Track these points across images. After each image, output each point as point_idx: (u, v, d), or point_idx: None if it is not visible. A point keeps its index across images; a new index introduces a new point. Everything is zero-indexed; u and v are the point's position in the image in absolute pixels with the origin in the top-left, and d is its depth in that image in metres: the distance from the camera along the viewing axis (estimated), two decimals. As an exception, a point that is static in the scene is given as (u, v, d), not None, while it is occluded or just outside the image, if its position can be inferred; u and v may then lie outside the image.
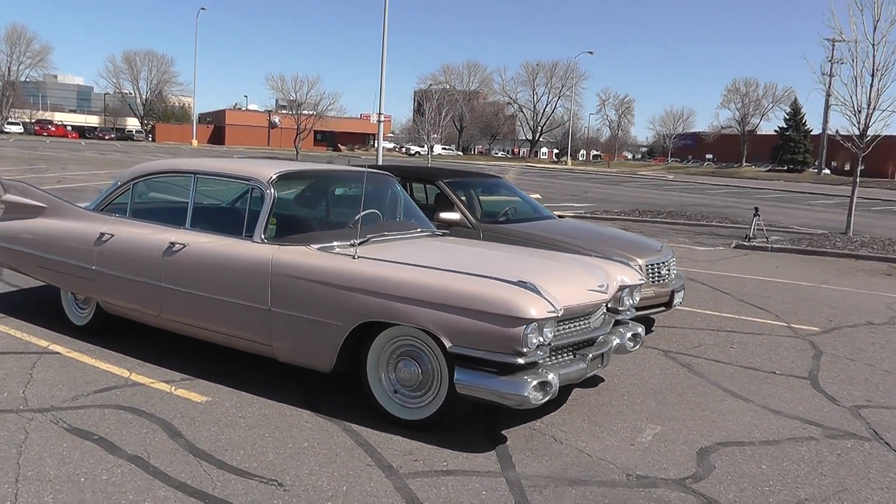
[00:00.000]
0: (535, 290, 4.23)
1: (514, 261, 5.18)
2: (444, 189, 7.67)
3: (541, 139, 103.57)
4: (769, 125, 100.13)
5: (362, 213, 4.98)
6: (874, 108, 13.96)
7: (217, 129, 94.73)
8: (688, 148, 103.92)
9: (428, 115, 34.07)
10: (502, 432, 4.62)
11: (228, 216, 5.75)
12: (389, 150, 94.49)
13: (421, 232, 5.69)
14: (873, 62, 13.86)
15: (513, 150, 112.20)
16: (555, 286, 4.44)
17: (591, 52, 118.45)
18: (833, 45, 24.11)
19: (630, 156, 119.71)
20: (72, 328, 6.22)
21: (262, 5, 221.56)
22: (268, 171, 5.27)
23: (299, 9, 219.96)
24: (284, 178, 5.26)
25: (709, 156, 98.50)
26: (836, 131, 15.67)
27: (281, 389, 5.13)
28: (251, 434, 4.37)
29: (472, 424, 4.66)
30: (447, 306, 4.21)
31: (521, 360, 4.09)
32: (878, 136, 14.46)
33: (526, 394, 4.04)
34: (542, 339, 4.17)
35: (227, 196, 6.11)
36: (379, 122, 28.05)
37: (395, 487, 3.81)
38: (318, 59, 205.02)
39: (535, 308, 4.10)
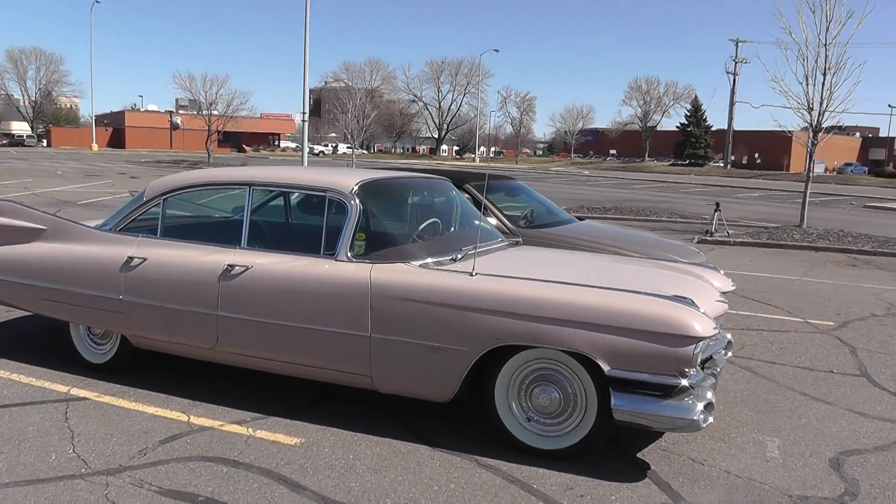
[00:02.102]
0: (694, 306, 3.90)
1: (639, 272, 4.84)
2: (473, 194, 7.21)
3: (447, 136, 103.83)
4: (670, 121, 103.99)
5: (455, 225, 4.50)
6: (826, 106, 14.38)
7: (116, 131, 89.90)
8: (590, 144, 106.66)
9: (332, 114, 33.13)
10: (638, 456, 4.28)
11: (296, 233, 5.12)
12: (293, 149, 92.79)
13: (501, 241, 5.23)
14: (825, 62, 14.30)
15: (413, 148, 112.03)
16: (698, 300, 4.11)
17: (496, 50, 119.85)
18: (737, 45, 24.92)
19: (531, 152, 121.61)
20: (87, 367, 5.42)
21: (157, 1, 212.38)
22: (348, 180, 4.69)
23: (195, 5, 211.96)
24: (366, 188, 4.68)
25: (612, 151, 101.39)
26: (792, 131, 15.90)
27: (374, 422, 4.58)
28: (383, 479, 3.83)
29: (603, 449, 4.28)
30: (606, 327, 3.83)
31: (684, 382, 3.77)
32: (834, 127, 14.94)
33: (695, 417, 3.76)
34: (702, 358, 3.85)
35: (275, 210, 5.45)
36: (304, 121, 27.08)
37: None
38: (216, 56, 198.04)
39: (701, 325, 3.80)
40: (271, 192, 5.01)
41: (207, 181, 5.20)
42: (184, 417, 4.59)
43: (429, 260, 4.46)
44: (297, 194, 4.93)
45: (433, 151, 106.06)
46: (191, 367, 5.36)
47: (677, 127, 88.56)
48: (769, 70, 15.95)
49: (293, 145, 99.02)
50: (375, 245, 4.52)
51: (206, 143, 42.89)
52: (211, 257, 4.78)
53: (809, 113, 14.65)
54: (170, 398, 4.91)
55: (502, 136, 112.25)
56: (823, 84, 14.30)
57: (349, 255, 4.45)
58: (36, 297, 5.43)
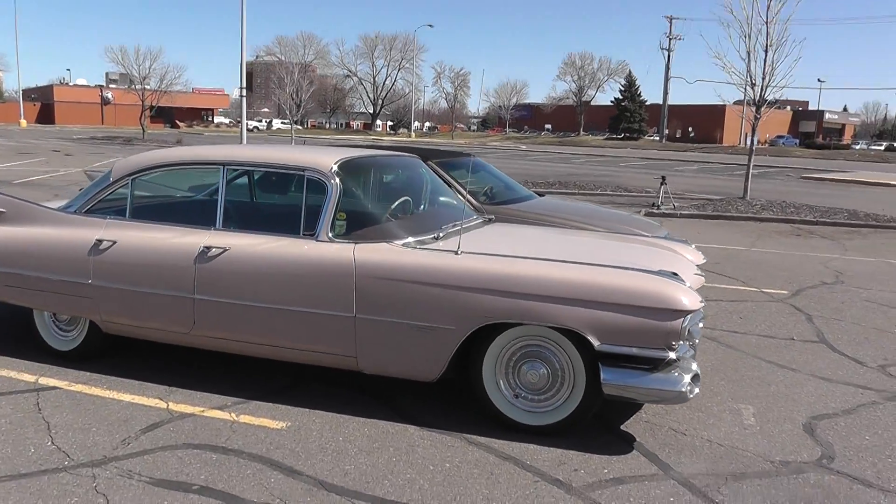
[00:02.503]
0: (680, 280, 3.98)
1: (618, 248, 4.89)
2: (437, 171, 7.15)
3: (381, 112, 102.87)
4: (605, 97, 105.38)
5: (431, 203, 4.47)
6: (769, 82, 14.74)
7: (45, 107, 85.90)
8: (524, 119, 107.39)
9: (265, 89, 32.36)
10: (622, 429, 4.36)
11: (272, 213, 5.00)
12: (227, 124, 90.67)
13: (476, 219, 5.20)
14: (766, 38, 14.63)
15: (347, 124, 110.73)
16: (681, 274, 4.20)
17: (430, 26, 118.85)
18: (671, 22, 25.31)
19: (466, 127, 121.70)
20: (53, 355, 5.21)
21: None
22: (326, 158, 4.59)
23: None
24: (345, 167, 4.58)
25: (547, 126, 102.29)
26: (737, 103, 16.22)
27: (358, 403, 4.55)
28: (377, 460, 3.81)
29: (587, 423, 4.35)
30: (596, 303, 3.87)
31: (672, 355, 3.85)
32: (776, 101, 15.32)
33: (683, 389, 3.85)
34: (689, 331, 3.92)
35: (250, 191, 5.29)
36: (242, 97, 26.39)
37: (586, 506, 3.44)
38: (145, 29, 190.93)
39: (688, 299, 3.88)
40: (247, 171, 4.85)
41: (178, 160, 5.01)
42: (162, 405, 4.46)
43: (411, 239, 4.42)
44: (273, 174, 4.79)
45: (367, 127, 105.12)
46: (163, 352, 5.23)
47: (612, 102, 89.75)
48: (711, 47, 16.18)
49: (227, 121, 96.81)
50: (356, 225, 4.45)
51: (140, 118, 41.41)
52: (185, 239, 4.64)
53: (752, 88, 15.00)
54: (145, 385, 4.76)
55: (436, 112, 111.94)
56: (766, 60, 14.65)
57: (330, 235, 4.37)
58: None
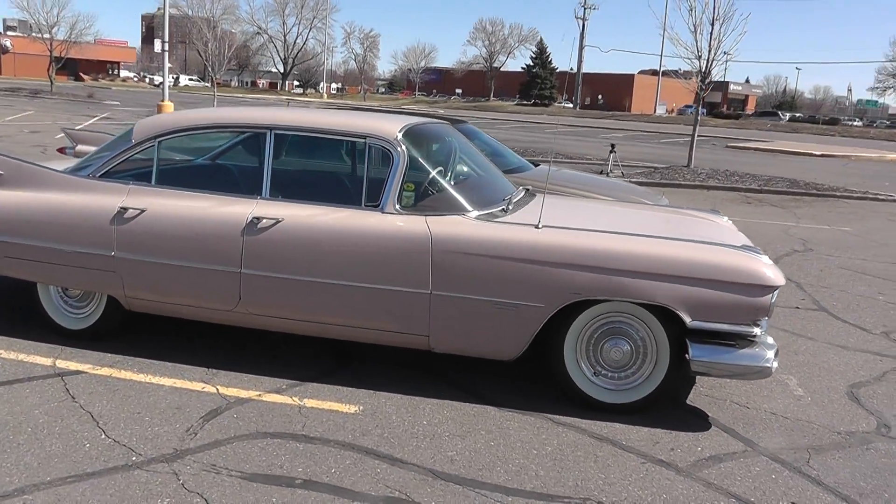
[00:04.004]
0: (764, 255, 3.98)
1: (679, 221, 4.83)
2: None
3: (291, 72, 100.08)
4: (515, 63, 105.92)
5: (482, 173, 4.27)
6: (715, 54, 15.04)
7: (-63, 56, 78.99)
8: (434, 82, 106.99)
9: (171, 44, 30.73)
10: (689, 403, 4.34)
11: (325, 182, 4.64)
12: (134, 79, 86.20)
13: (522, 191, 5.02)
14: (713, 11, 14.91)
15: (253, 82, 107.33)
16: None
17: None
18: None
19: (374, 90, 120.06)
20: (61, 334, 4.74)
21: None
22: (390, 125, 4.28)
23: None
24: (410, 134, 4.30)
25: (458, 90, 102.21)
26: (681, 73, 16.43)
27: (418, 382, 4.35)
28: (475, 445, 3.64)
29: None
30: (691, 278, 3.79)
31: (757, 330, 3.86)
32: (713, 81, 15.60)
33: (769, 364, 3.85)
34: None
35: (297, 157, 4.88)
36: (164, 50, 24.88)
37: (703, 486, 3.39)
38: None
39: (775, 274, 3.88)
40: (296, 137, 4.48)
41: (215, 123, 4.57)
42: (211, 389, 4.13)
43: (482, 211, 4.21)
44: (327, 140, 4.44)
45: (273, 86, 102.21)
46: (181, 329, 4.86)
47: (522, 68, 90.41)
48: (658, 17, 16.27)
49: (132, 75, 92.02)
50: (424, 195, 4.19)
51: (49, 70, 38.50)
52: (228, 208, 4.26)
53: (699, 60, 15.27)
54: (180, 367, 4.40)
55: (340, 73, 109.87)
56: (711, 33, 14.94)
57: (397, 206, 4.10)
58: None
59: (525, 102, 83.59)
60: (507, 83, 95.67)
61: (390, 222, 4.06)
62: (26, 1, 39.36)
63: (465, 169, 4.75)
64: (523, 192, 4.95)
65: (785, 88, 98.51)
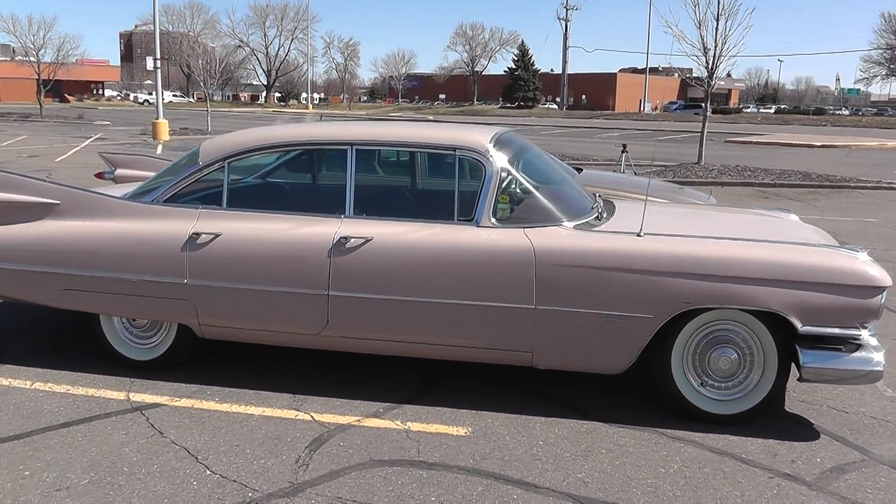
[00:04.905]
0: (869, 256, 3.88)
1: (768, 223, 4.72)
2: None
3: (275, 83, 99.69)
4: (497, 66, 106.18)
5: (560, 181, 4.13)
6: (721, 50, 14.95)
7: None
8: (416, 89, 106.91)
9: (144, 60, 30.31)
10: (788, 410, 4.22)
11: (412, 197, 4.48)
12: (119, 98, 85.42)
13: (597, 197, 4.87)
14: (718, 6, 14.86)
15: (236, 96, 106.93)
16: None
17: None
18: None
19: (357, 98, 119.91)
20: (127, 366, 4.55)
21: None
22: (479, 136, 4.14)
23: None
24: (499, 145, 4.16)
25: (441, 95, 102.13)
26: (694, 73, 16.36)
27: (520, 400, 4.21)
28: (601, 465, 3.50)
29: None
30: (799, 283, 3.69)
31: (865, 333, 3.76)
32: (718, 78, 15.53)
33: (878, 368, 3.73)
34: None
35: (377, 172, 4.71)
36: (156, 67, 24.59)
37: (839, 501, 3.27)
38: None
39: (883, 275, 3.76)
40: (379, 151, 4.31)
41: (290, 141, 4.39)
42: (305, 416, 3.96)
43: (578, 221, 4.08)
44: (412, 154, 4.28)
45: (254, 98, 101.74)
46: (242, 355, 4.74)
47: (505, 71, 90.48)
48: (662, 15, 16.25)
49: (116, 94, 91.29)
50: (517, 207, 4.06)
51: (38, 94, 37.93)
52: (311, 229, 4.10)
53: (705, 56, 15.19)
54: (262, 394, 4.23)
55: (320, 82, 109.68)
56: (717, 29, 14.87)
57: (493, 220, 3.96)
58: (53, 287, 4.43)
59: (509, 105, 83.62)
60: (490, 87, 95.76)
61: (488, 236, 3.91)
62: (12, 24, 38.88)
63: (547, 177, 4.60)
64: (601, 199, 4.82)
65: (767, 81, 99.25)
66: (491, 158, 4.04)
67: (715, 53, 14.96)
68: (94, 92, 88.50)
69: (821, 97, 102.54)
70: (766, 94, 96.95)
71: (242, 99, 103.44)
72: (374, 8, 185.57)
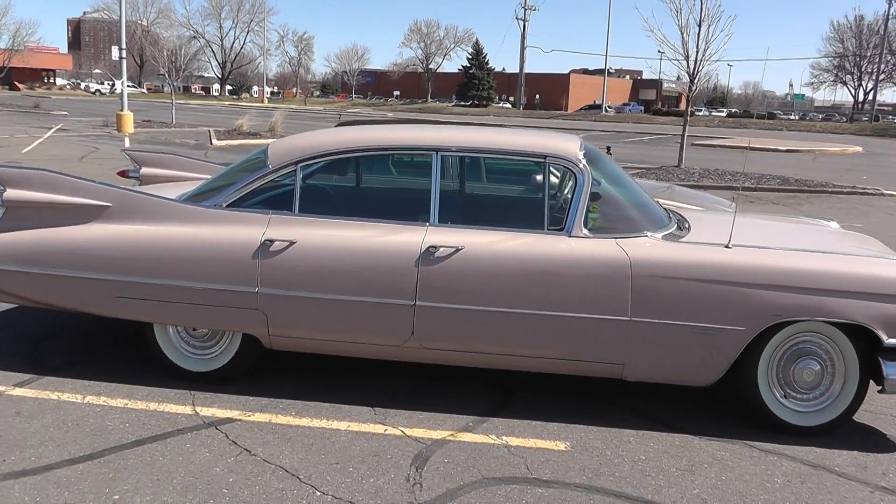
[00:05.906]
0: None
1: (828, 234, 4.78)
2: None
3: (231, 76, 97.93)
4: (452, 64, 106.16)
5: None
6: (703, 55, 15.23)
7: None
8: (369, 85, 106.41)
9: (94, 48, 29.58)
10: (857, 421, 4.25)
11: (499, 205, 4.38)
12: (70, 87, 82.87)
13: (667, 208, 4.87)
14: (700, 12, 15.12)
15: (187, 87, 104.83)
16: None
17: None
18: None
19: (310, 93, 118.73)
20: (183, 377, 4.36)
21: None
22: (569, 144, 4.08)
23: None
24: (588, 154, 4.12)
25: (396, 92, 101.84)
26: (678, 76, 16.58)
27: (604, 412, 4.18)
28: (709, 481, 3.49)
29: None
30: (886, 295, 3.75)
31: None
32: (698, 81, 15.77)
33: None
34: None
35: (459, 179, 4.58)
36: (121, 58, 23.82)
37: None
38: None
39: None
40: (464, 158, 4.21)
41: (368, 146, 4.24)
42: (395, 431, 3.85)
43: (665, 231, 4.07)
44: (499, 161, 4.20)
45: (206, 90, 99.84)
46: (302, 365, 4.62)
47: (459, 69, 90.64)
48: (646, 20, 16.46)
49: (66, 83, 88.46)
50: (608, 217, 4.02)
51: (-5, 82, 36.48)
52: (395, 237, 3.99)
53: (686, 61, 15.44)
54: (340, 408, 4.11)
55: (271, 76, 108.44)
56: (699, 35, 15.13)
57: (584, 230, 3.91)
58: (103, 294, 4.21)
59: (463, 103, 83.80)
60: (445, 84, 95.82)
61: (581, 247, 3.87)
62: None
63: (626, 186, 4.58)
64: (672, 210, 4.84)
65: (716, 85, 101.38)
66: (582, 167, 3.99)
67: (696, 59, 15.20)
68: (46, 80, 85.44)
69: (767, 101, 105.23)
70: (716, 98, 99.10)
71: (194, 91, 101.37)
72: (328, 2, 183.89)
